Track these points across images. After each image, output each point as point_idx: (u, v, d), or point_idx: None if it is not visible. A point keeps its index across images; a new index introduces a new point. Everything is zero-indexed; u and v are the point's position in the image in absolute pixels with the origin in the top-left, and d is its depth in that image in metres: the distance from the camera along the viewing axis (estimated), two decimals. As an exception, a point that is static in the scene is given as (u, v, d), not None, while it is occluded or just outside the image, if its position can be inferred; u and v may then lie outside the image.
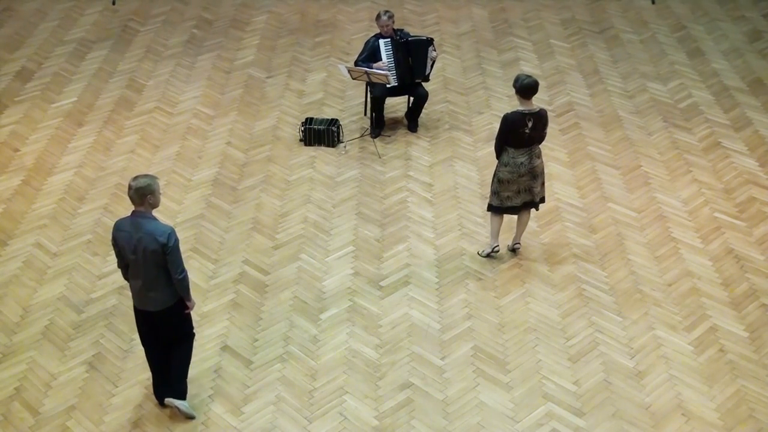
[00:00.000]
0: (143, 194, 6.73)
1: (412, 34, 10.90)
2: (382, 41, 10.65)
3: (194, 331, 7.39)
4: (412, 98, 10.99)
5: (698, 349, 8.08)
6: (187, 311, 7.13)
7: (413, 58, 10.63)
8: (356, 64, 10.65)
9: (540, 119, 8.47)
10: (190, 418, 7.38)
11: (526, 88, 8.35)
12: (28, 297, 8.60)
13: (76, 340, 8.13)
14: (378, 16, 10.66)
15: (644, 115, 11.45)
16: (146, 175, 6.82)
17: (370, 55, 10.64)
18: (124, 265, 7.00)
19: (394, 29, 10.68)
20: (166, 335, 7.19)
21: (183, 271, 6.86)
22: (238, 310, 8.49)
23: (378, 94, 10.69)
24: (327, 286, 8.77)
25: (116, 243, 6.90)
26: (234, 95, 11.80)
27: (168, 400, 7.35)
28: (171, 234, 6.75)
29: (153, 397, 7.55)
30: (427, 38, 10.68)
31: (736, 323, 8.36)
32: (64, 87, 11.96)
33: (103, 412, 7.45)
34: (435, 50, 10.73)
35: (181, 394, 7.34)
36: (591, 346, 8.11)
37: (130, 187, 6.75)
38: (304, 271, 8.93)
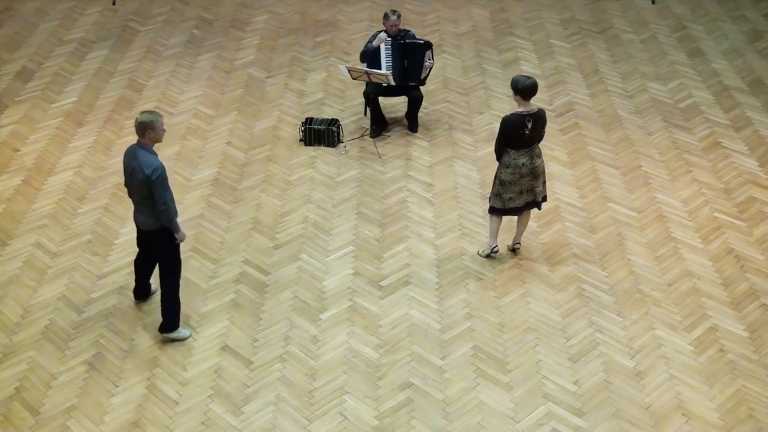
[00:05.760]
0: (144, 128, 7.48)
1: (417, 37, 10.83)
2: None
3: (180, 269, 7.94)
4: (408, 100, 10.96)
5: (698, 349, 8.08)
6: (175, 242, 7.72)
7: (409, 60, 10.56)
8: (363, 54, 10.62)
9: (539, 119, 8.46)
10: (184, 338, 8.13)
11: (526, 89, 8.34)
12: (28, 297, 8.60)
13: (76, 340, 8.13)
14: (386, 16, 10.57)
15: (644, 115, 11.44)
16: (151, 112, 7.58)
17: (373, 53, 10.58)
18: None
19: (399, 29, 10.65)
20: (152, 256, 8.00)
21: (165, 203, 7.47)
22: (238, 310, 8.49)
23: (369, 91, 10.68)
24: (327, 286, 8.77)
25: (124, 166, 7.72)
26: (234, 95, 11.80)
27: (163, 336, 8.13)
28: (156, 169, 7.38)
29: (153, 397, 7.57)
30: (425, 42, 10.61)
31: (736, 323, 8.36)
32: (64, 87, 11.96)
33: (103, 412, 7.45)
34: (431, 58, 10.59)
35: (168, 328, 8.02)
36: (591, 346, 8.11)
37: (135, 120, 7.51)
38: (304, 271, 8.93)
